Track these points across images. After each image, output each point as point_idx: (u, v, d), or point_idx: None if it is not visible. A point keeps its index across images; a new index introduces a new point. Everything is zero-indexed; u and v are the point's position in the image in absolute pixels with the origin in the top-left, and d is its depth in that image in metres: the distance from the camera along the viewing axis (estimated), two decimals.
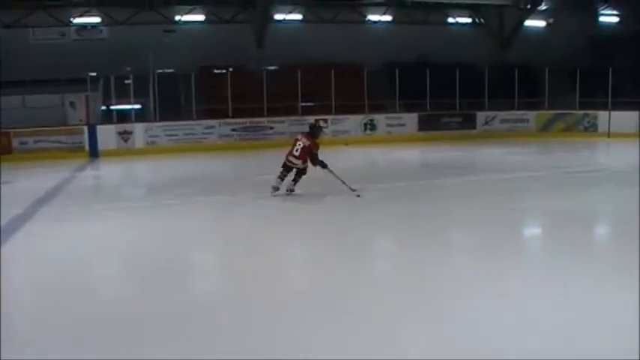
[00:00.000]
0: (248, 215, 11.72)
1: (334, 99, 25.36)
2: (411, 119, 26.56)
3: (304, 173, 12.94)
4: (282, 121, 24.60)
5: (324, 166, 12.74)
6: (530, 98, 28.86)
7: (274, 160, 20.46)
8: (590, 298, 6.58)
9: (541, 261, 8.39)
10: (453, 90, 27.18)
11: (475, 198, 13.05)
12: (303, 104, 25.35)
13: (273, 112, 24.72)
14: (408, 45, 28.86)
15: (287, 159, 12.87)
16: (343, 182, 12.69)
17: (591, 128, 27.26)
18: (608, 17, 35.44)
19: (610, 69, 26.88)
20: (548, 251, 9.03)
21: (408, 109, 26.77)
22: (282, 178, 12.84)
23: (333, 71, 25.11)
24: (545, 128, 27.72)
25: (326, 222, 10.88)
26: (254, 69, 26.08)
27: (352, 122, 25.59)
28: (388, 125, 26.21)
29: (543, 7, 31.81)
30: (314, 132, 13.15)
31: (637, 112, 26.65)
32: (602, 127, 26.97)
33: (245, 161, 20.85)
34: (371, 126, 25.65)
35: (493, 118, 27.51)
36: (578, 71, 27.36)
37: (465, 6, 31.54)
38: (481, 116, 27.66)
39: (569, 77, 27.71)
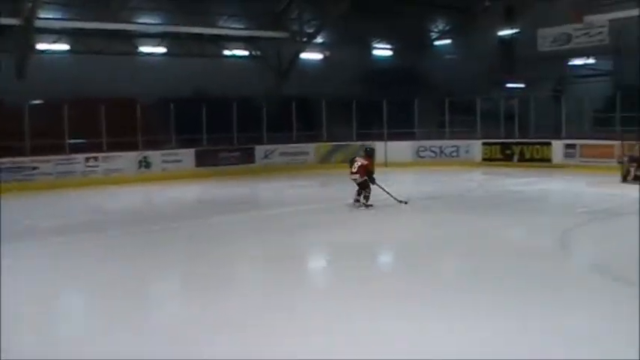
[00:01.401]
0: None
1: (105, 135, 24.32)
2: (187, 155, 26.10)
3: (367, 186, 15.63)
4: (48, 161, 23.20)
5: (375, 182, 15.76)
6: (309, 131, 29.67)
7: (39, 204, 19.47)
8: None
9: (329, 294, 8.68)
10: (230, 124, 27.15)
11: (257, 234, 13.08)
12: (72, 142, 24.06)
13: (37, 150, 23.21)
14: (183, 78, 28.53)
15: (351, 178, 15.87)
16: (390, 195, 15.93)
17: None
18: (382, 51, 37.41)
19: (384, 101, 28.28)
20: (335, 284, 9.40)
21: (185, 144, 26.34)
22: (358, 193, 15.81)
23: (103, 106, 24.13)
24: (324, 160, 28.52)
25: (93, 269, 10.32)
26: (15, 103, 24.42)
27: (125, 160, 24.62)
28: (164, 162, 25.51)
29: (319, 40, 32.92)
30: (370, 154, 16.55)
31: (410, 142, 28.33)
32: (379, 157, 28.02)
33: (5, 206, 19.32)
34: (145, 163, 24.87)
35: (272, 152, 27.79)
36: (354, 103, 28.47)
37: (240, 38, 31.86)
38: (260, 150, 27.78)
39: (346, 109, 28.78)
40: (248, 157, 27.51)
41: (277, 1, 31.31)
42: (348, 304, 7.84)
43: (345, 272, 9.68)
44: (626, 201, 16.62)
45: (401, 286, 8.82)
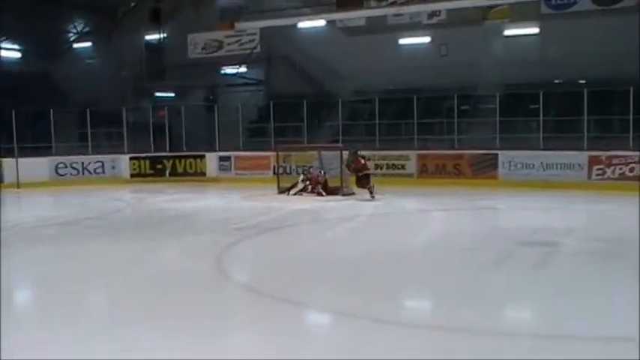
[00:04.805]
0: None
1: None
2: None
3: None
4: None
5: None
6: None
7: None
8: None
9: None
10: None
11: None
12: None
13: None
14: None
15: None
16: None
17: None
18: (9, 52, 34.80)
19: (13, 111, 26.10)
20: None
21: None
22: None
23: None
24: None
25: None
26: None
27: None
28: None
29: None
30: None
31: (47, 159, 26.50)
32: (9, 177, 25.80)
33: None
34: None
35: None
36: None
37: None
38: None
39: None
40: None
41: None
42: None
43: None
44: (282, 214, 17.23)
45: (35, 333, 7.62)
